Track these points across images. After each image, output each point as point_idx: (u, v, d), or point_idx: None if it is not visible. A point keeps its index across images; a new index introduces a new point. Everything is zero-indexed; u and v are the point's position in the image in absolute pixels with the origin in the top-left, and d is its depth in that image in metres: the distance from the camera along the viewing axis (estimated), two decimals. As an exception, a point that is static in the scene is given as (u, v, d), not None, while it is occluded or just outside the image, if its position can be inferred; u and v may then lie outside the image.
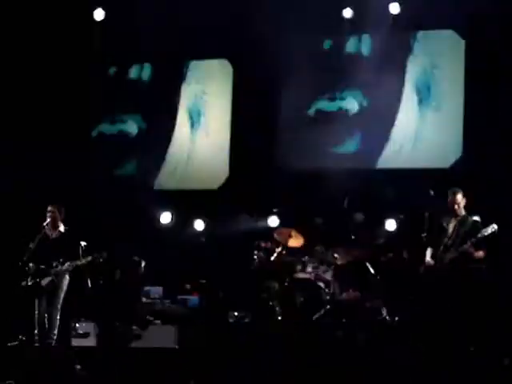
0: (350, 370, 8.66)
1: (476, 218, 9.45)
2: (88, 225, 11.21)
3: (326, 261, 11.48)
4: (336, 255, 11.31)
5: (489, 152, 11.59)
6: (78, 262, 10.11)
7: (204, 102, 13.37)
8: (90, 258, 10.14)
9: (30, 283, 10.04)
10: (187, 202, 12.93)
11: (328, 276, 11.36)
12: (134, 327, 10.71)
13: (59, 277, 10.09)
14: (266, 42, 12.08)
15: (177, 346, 10.35)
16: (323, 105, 12.81)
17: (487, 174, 11.43)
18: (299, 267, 11.53)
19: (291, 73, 12.51)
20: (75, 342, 10.59)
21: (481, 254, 9.21)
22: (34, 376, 8.98)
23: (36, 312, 10.06)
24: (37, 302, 10.09)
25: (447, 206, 9.46)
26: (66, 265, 10.08)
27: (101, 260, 10.17)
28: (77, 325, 10.75)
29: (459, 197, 9.41)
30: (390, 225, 11.85)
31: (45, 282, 10.06)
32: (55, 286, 10.07)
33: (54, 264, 10.07)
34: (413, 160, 12.26)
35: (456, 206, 9.39)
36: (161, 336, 10.56)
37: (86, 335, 10.70)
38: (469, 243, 9.15)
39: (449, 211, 9.47)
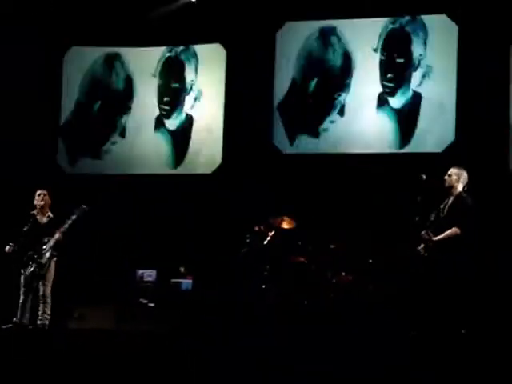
0: (342, 350, 8.68)
1: (464, 195, 9.24)
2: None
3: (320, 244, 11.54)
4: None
5: (482, 137, 11.62)
6: (63, 227, 10.11)
7: (198, 86, 13.37)
8: (74, 217, 10.13)
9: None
10: (181, 186, 12.98)
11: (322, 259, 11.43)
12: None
13: (43, 265, 10.14)
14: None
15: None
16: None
17: (480, 158, 11.45)
18: (292, 250, 11.59)
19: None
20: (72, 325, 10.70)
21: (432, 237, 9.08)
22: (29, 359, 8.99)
23: (21, 297, 10.16)
24: (22, 288, 10.19)
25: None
26: (51, 242, 10.10)
27: (84, 212, 10.14)
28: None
29: (450, 176, 9.26)
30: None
31: (28, 269, 10.14)
32: (40, 274, 10.14)
33: (40, 248, 10.10)
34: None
35: (446, 184, 9.25)
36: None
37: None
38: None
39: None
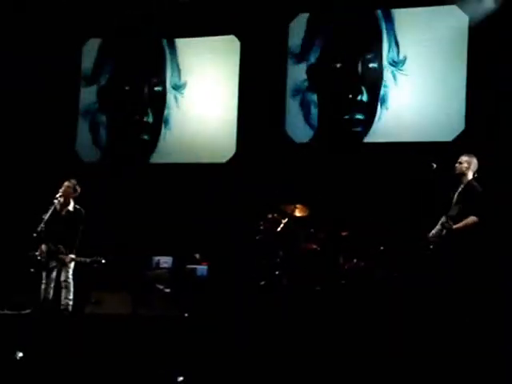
0: (354, 336, 8.79)
1: (475, 183, 9.30)
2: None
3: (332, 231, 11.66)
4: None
5: (492, 126, 11.69)
6: (78, 259, 10.40)
7: (212, 77, 13.54)
8: (88, 260, 10.45)
9: (39, 258, 10.38)
10: (195, 175, 13.15)
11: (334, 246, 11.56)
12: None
13: (63, 263, 10.41)
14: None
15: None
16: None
17: (490, 147, 11.52)
18: (305, 238, 11.74)
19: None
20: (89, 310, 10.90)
21: (452, 226, 9.13)
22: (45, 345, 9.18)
23: (43, 282, 10.38)
24: (44, 274, 10.41)
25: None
26: (69, 257, 10.37)
27: (97, 264, 10.48)
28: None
29: (461, 163, 9.33)
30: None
31: (51, 264, 10.40)
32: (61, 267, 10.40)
33: (60, 249, 10.36)
34: (416, 133, 12.36)
35: (457, 171, 9.33)
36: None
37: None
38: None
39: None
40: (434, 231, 9.44)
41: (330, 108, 12.86)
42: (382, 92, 12.54)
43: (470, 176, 9.36)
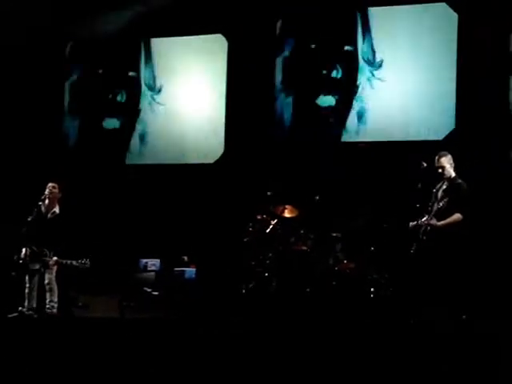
0: (346, 337, 8.73)
1: (459, 180, 9.28)
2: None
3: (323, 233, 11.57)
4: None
5: (482, 124, 11.65)
6: (62, 262, 10.24)
7: (199, 77, 13.45)
8: (75, 263, 10.27)
9: (21, 261, 10.22)
10: (184, 176, 13.05)
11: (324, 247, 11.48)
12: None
13: (47, 265, 10.25)
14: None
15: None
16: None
17: (481, 146, 11.49)
18: (294, 239, 11.64)
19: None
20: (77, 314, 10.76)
21: (437, 223, 9.10)
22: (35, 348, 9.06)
23: (27, 286, 10.23)
24: (27, 277, 10.25)
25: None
26: (53, 260, 10.21)
27: (84, 267, 10.29)
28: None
29: (442, 160, 9.27)
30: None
31: (34, 267, 10.22)
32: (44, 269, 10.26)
33: (44, 252, 10.19)
34: (406, 132, 12.31)
35: (440, 170, 9.27)
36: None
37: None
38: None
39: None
40: (412, 224, 9.38)
41: (304, 93, 12.79)
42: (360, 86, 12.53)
43: (452, 173, 9.32)
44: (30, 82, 13.55)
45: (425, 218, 9.24)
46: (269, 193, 11.61)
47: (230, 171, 12.81)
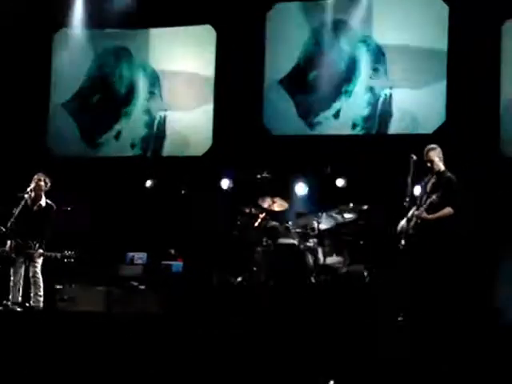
0: (335, 332, 8.69)
1: (449, 174, 9.22)
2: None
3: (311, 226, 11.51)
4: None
5: (472, 118, 11.59)
6: (47, 254, 10.12)
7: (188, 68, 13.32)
8: (60, 255, 10.15)
9: (5, 254, 10.12)
10: (171, 168, 12.94)
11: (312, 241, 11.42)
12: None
13: (31, 258, 10.14)
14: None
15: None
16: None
17: (471, 139, 11.44)
18: (283, 232, 11.57)
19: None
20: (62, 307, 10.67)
21: (427, 216, 9.06)
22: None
23: (11, 279, 10.11)
24: (12, 270, 10.13)
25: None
26: (38, 252, 10.10)
27: (68, 259, 10.19)
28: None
29: (431, 153, 9.22)
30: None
31: (18, 260, 10.11)
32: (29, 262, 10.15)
33: (29, 244, 10.07)
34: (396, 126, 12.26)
35: (429, 164, 9.23)
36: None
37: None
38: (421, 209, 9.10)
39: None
40: (403, 223, 9.30)
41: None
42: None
43: (441, 166, 9.26)
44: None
45: (414, 211, 9.19)
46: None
47: (218, 164, 12.69)
